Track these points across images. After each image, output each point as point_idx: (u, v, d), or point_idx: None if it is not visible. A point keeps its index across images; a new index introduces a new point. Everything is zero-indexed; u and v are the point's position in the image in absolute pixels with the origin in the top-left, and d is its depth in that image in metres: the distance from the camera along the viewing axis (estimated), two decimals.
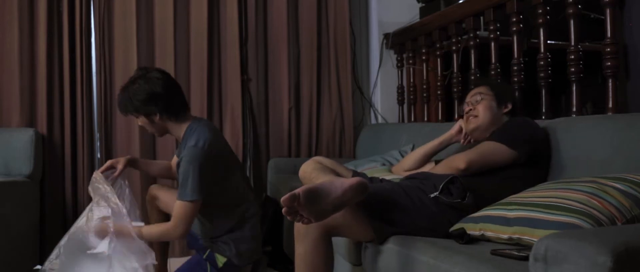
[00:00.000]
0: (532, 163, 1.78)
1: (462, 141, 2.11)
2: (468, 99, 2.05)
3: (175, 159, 2.39)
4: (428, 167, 2.05)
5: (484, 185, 1.71)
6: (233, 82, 3.25)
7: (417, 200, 1.66)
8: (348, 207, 1.55)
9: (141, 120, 2.19)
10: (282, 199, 1.31)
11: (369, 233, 1.64)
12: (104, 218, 1.99)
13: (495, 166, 1.76)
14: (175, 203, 2.06)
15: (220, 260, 2.17)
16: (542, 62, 2.18)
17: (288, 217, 1.35)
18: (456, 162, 1.76)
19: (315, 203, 1.36)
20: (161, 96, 2.11)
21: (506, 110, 1.98)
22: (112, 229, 1.95)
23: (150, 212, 2.43)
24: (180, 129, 2.18)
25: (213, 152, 2.10)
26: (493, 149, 1.77)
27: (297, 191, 1.33)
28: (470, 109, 2.00)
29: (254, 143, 3.34)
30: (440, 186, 1.65)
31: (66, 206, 3.02)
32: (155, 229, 2.13)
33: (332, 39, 3.43)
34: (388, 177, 2.01)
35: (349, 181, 1.44)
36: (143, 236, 2.05)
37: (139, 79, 2.12)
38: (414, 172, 1.96)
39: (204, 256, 2.17)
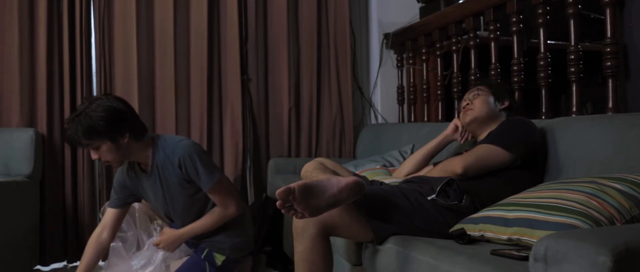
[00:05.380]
0: (529, 164, 1.78)
1: (459, 138, 2.12)
2: (466, 96, 2.08)
3: (111, 212, 2.18)
4: (426, 170, 2.05)
5: (480, 187, 1.72)
6: (233, 82, 3.25)
7: (415, 202, 1.66)
8: (346, 207, 1.56)
9: (103, 149, 1.95)
10: (278, 191, 1.33)
11: (368, 233, 1.64)
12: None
13: (492, 169, 1.76)
14: (210, 195, 2.10)
15: (219, 258, 2.18)
16: (542, 62, 2.18)
17: (282, 211, 1.36)
18: (453, 166, 1.76)
19: (310, 198, 1.37)
20: (126, 113, 1.98)
21: (503, 106, 1.99)
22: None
23: None
24: (146, 150, 2.06)
25: (195, 143, 2.16)
26: (489, 152, 1.77)
27: (293, 185, 1.34)
28: (467, 104, 2.02)
29: (254, 143, 3.34)
30: (438, 189, 1.65)
31: (66, 206, 3.02)
32: (209, 220, 2.14)
33: (332, 39, 3.43)
34: (388, 181, 2.02)
35: (345, 180, 1.45)
36: (196, 231, 2.13)
37: (92, 103, 1.92)
38: (412, 177, 1.97)
39: (203, 256, 2.17)
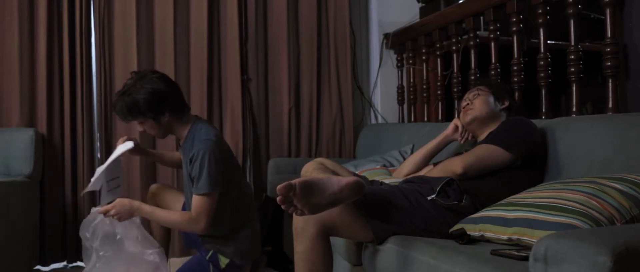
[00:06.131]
0: (529, 164, 1.78)
1: (459, 138, 2.12)
2: (466, 96, 2.08)
3: (178, 153, 2.41)
4: (426, 170, 2.05)
5: (480, 187, 1.72)
6: (233, 82, 3.24)
7: (415, 202, 1.67)
8: (346, 207, 1.56)
9: (146, 125, 2.12)
10: (278, 187, 1.33)
11: (368, 233, 1.64)
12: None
13: (492, 169, 1.76)
14: (193, 199, 2.07)
15: (223, 261, 2.17)
16: (542, 62, 2.18)
17: (282, 206, 1.36)
18: (453, 166, 1.76)
19: (310, 195, 1.38)
20: (166, 94, 2.08)
21: (503, 106, 1.99)
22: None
23: None
24: (184, 129, 2.17)
25: (224, 147, 2.16)
26: (489, 152, 1.77)
27: (294, 181, 1.35)
28: (467, 104, 2.02)
29: (254, 143, 3.34)
30: (438, 189, 1.65)
31: (66, 206, 3.02)
32: (173, 216, 2.12)
33: (332, 39, 3.43)
34: (388, 180, 2.02)
35: (346, 179, 1.46)
36: (155, 217, 2.11)
37: (138, 82, 2.06)
38: (412, 177, 1.97)
39: (207, 257, 2.17)
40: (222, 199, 2.11)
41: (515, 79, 2.31)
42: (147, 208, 2.12)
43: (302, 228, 1.57)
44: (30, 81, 3.01)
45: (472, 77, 2.56)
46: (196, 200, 2.05)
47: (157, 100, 2.05)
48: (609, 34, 1.90)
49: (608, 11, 1.91)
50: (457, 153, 2.02)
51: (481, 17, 2.65)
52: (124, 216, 2.09)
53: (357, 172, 2.14)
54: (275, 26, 3.34)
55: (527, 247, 1.35)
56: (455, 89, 2.75)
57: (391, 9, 3.46)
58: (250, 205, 2.27)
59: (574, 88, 2.06)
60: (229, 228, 2.17)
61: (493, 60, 2.46)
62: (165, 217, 2.13)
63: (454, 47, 2.78)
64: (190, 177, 2.09)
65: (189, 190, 2.16)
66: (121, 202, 2.09)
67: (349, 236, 1.76)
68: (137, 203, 2.11)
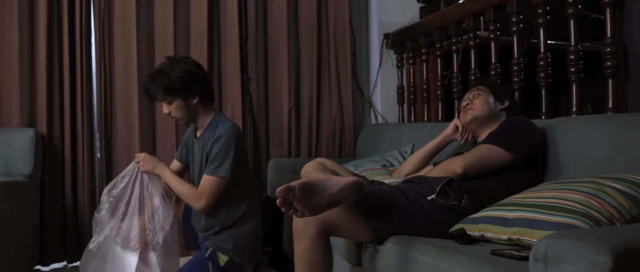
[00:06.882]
0: (529, 164, 1.78)
1: (459, 138, 2.12)
2: (466, 96, 2.08)
3: (175, 163, 2.41)
4: (426, 170, 2.05)
5: (480, 187, 1.72)
6: (233, 82, 3.25)
7: (415, 202, 1.67)
8: (346, 207, 1.56)
9: (174, 106, 2.16)
10: (278, 190, 1.33)
11: (368, 233, 1.64)
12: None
13: (492, 169, 1.76)
14: (203, 177, 2.11)
15: (222, 259, 2.17)
16: (542, 62, 2.18)
17: (282, 209, 1.36)
18: (453, 166, 1.76)
19: (310, 197, 1.38)
20: (200, 78, 2.16)
21: (503, 106, 2.00)
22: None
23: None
24: (207, 117, 2.21)
25: (242, 141, 2.22)
26: (489, 152, 1.78)
27: (293, 183, 1.35)
28: (467, 104, 2.02)
29: (254, 143, 3.34)
30: (437, 189, 1.65)
31: (66, 206, 3.02)
32: (183, 186, 2.17)
33: (332, 39, 3.43)
34: (388, 180, 2.02)
35: (345, 180, 1.46)
36: (170, 179, 2.18)
37: (174, 63, 2.14)
38: (412, 177, 1.97)
39: (206, 255, 2.17)
40: (230, 189, 2.13)
41: (515, 79, 2.31)
42: (167, 170, 2.21)
43: (302, 228, 1.57)
44: (30, 81, 3.01)
45: (472, 77, 2.56)
46: (205, 179, 2.10)
47: (191, 81, 2.12)
48: (609, 34, 1.90)
49: (608, 11, 1.91)
50: (457, 153, 2.02)
51: (481, 17, 2.65)
52: (147, 165, 2.19)
53: (357, 172, 2.14)
54: (275, 26, 3.35)
55: (527, 247, 1.35)
56: (455, 89, 2.75)
57: (391, 9, 3.46)
58: (254, 203, 2.27)
59: (574, 88, 2.06)
60: (230, 222, 2.17)
61: (493, 60, 2.46)
62: (177, 183, 2.18)
63: (454, 47, 2.78)
64: (206, 157, 2.13)
65: (199, 178, 2.19)
66: (150, 155, 2.23)
67: (349, 236, 1.76)
68: (162, 163, 2.22)
